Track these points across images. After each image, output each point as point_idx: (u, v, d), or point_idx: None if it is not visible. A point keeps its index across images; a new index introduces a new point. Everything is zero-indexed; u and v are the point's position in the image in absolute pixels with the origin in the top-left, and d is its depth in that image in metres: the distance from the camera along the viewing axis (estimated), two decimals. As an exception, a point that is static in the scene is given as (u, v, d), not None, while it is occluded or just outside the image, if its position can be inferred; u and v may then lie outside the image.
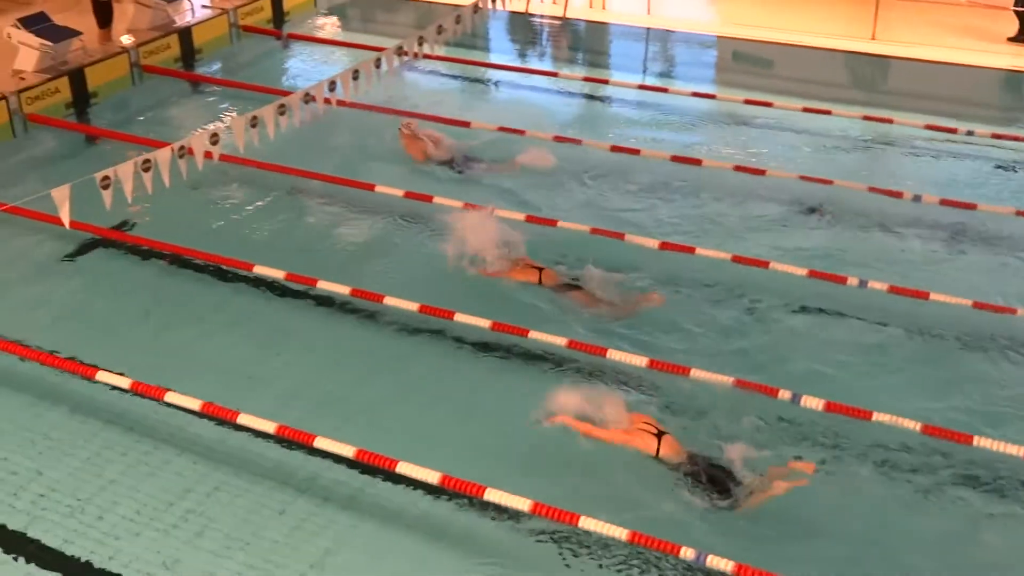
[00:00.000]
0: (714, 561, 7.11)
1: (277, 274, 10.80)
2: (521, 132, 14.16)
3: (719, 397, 9.00)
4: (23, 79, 15.12)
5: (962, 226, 12.04)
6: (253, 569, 7.57)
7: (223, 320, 10.52)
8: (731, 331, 10.18)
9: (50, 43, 15.52)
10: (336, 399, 9.32)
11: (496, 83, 17.11)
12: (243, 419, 8.57)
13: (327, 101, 12.27)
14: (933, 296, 10.34)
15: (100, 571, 7.56)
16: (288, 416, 8.66)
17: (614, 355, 9.40)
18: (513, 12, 18.61)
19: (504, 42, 19.45)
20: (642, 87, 16.43)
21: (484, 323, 9.86)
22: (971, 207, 12.26)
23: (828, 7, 19.54)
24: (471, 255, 10.81)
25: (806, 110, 15.07)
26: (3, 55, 15.55)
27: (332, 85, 12.33)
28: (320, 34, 19.35)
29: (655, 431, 8.32)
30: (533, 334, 9.68)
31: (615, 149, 13.88)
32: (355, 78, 12.66)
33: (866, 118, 14.92)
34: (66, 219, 9.54)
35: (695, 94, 15.86)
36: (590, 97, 16.45)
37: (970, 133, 14.36)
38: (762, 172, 13.12)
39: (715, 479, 8.05)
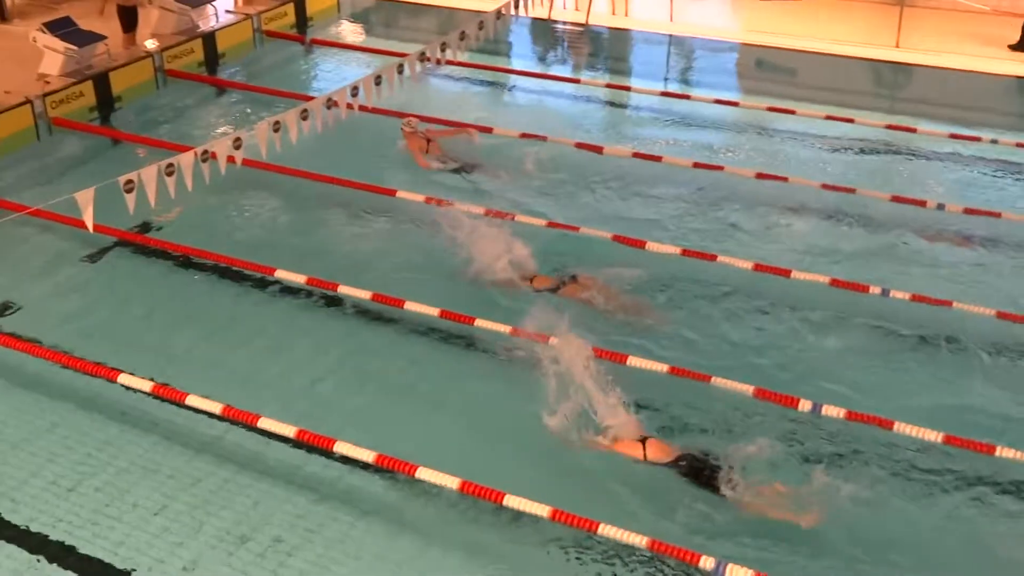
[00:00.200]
0: (734, 571, 7.07)
1: (298, 278, 10.83)
2: (543, 138, 14.17)
3: (719, 400, 9.01)
4: (48, 83, 15.22)
5: (986, 234, 11.96)
6: (269, 573, 7.59)
7: (243, 323, 10.55)
8: (752, 339, 10.13)
9: (75, 47, 15.63)
10: (356, 405, 9.34)
11: (518, 89, 17.12)
12: (263, 423, 8.60)
13: (349, 106, 12.29)
14: (956, 305, 10.27)
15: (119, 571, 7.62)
16: (308, 420, 8.67)
17: (634, 361, 9.38)
18: (536, 19, 18.63)
19: (526, 48, 19.46)
20: (664, 94, 16.41)
21: (504, 328, 9.85)
22: (995, 215, 12.20)
23: (852, 15, 19.49)
24: (484, 263, 10.86)
25: (829, 118, 15.01)
26: (29, 59, 15.67)
27: (355, 90, 12.34)
28: (343, 40, 19.42)
29: (639, 437, 8.33)
30: (553, 341, 9.65)
31: (637, 156, 13.86)
32: (377, 83, 12.68)
33: (889, 126, 14.87)
34: (89, 222, 9.57)
35: (717, 101, 15.84)
36: (612, 103, 16.45)
37: (994, 141, 14.30)
38: (784, 179, 13.08)
39: (708, 478, 8.03)
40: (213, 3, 18.52)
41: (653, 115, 15.88)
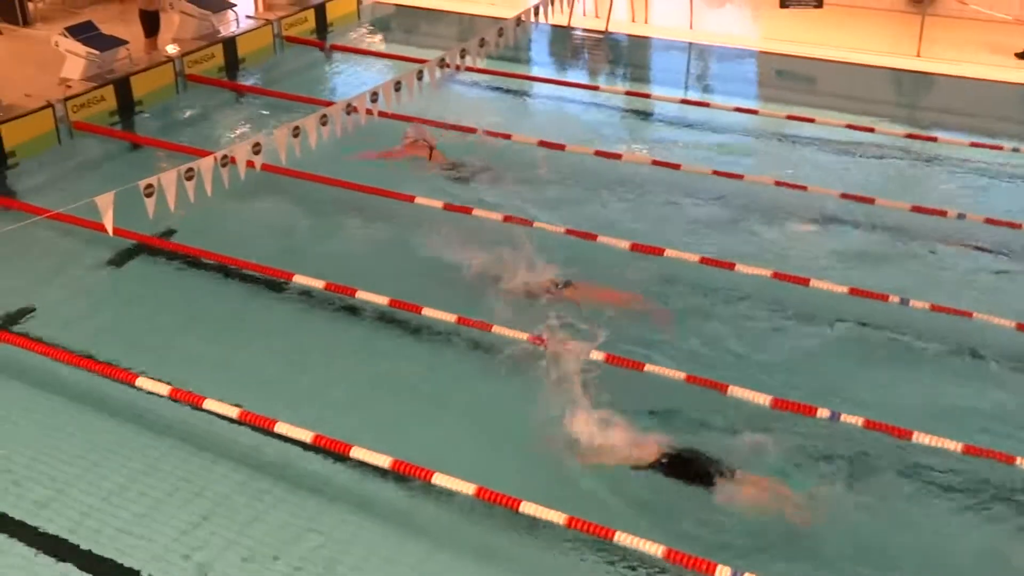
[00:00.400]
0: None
1: (317, 284, 10.85)
2: (562, 147, 14.17)
3: (733, 408, 8.99)
4: (69, 87, 15.32)
5: (1007, 245, 11.89)
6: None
7: (262, 328, 10.58)
8: (770, 348, 10.09)
9: (97, 52, 15.72)
10: (373, 410, 9.35)
11: (537, 96, 17.12)
12: (280, 428, 8.62)
13: (369, 112, 12.31)
14: (976, 316, 10.21)
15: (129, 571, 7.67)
16: (324, 426, 8.67)
17: (652, 368, 9.37)
18: (555, 26, 18.60)
19: (546, 56, 19.46)
20: (684, 101, 16.38)
21: (521, 336, 9.84)
22: (1016, 227, 12.12)
23: (872, 24, 19.40)
24: (501, 270, 10.88)
25: (849, 126, 14.96)
26: (51, 63, 15.76)
27: (374, 96, 12.37)
28: (363, 46, 19.45)
29: (650, 444, 8.38)
30: (570, 347, 9.62)
31: (656, 163, 13.84)
32: (397, 89, 12.70)
33: (910, 135, 14.81)
34: (109, 226, 9.61)
35: (737, 109, 15.80)
36: (631, 111, 16.43)
37: (1016, 150, 14.23)
38: (804, 188, 13.03)
39: (717, 484, 8.06)
40: (234, 8, 18.59)
41: (672, 122, 15.86)
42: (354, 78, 17.58)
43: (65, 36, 15.75)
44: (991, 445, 8.49)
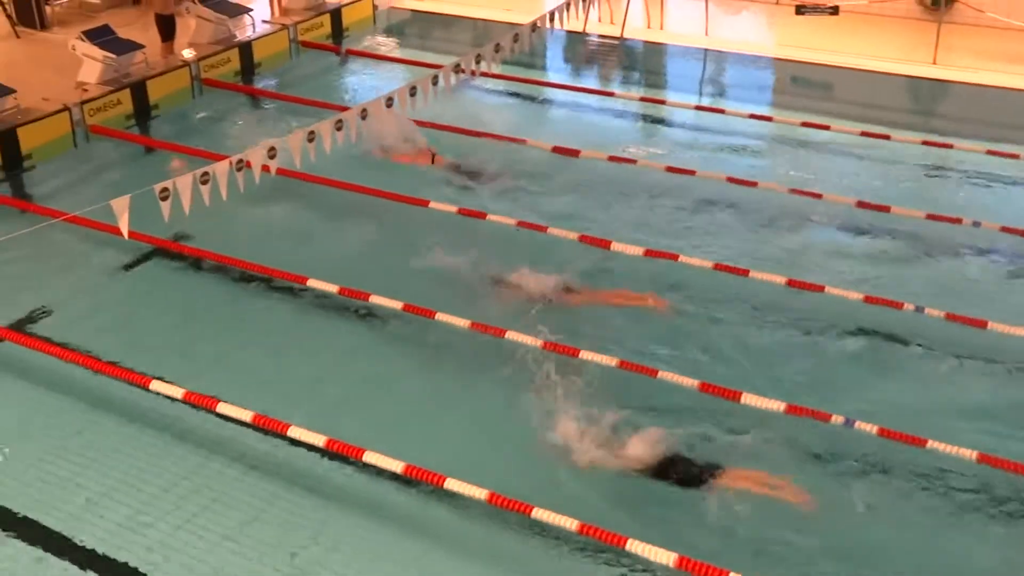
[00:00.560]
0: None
1: (330, 288, 10.87)
2: (575, 153, 14.17)
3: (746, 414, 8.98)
4: (86, 91, 15.39)
5: (1022, 254, 11.85)
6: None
7: (277, 332, 10.61)
8: (783, 355, 10.07)
9: (113, 56, 15.79)
10: (383, 414, 9.36)
11: (552, 102, 17.13)
12: (293, 432, 8.64)
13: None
14: (991, 325, 10.17)
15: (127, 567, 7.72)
16: (336, 430, 8.69)
17: (664, 376, 9.35)
18: (570, 32, 18.63)
19: (561, 61, 19.46)
20: (699, 108, 16.36)
21: (536, 342, 9.83)
22: (1033, 235, 12.09)
23: (888, 31, 19.36)
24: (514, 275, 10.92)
25: (864, 134, 14.92)
26: (67, 67, 15.83)
27: (389, 101, 12.39)
28: (378, 50, 19.49)
29: (656, 448, 8.41)
30: (584, 354, 9.63)
31: (670, 170, 13.82)
32: (412, 94, 12.72)
33: (926, 143, 14.76)
34: (125, 229, 9.64)
35: (752, 116, 15.77)
36: (646, 117, 16.42)
37: (1032, 159, 14.18)
38: (819, 196, 13.00)
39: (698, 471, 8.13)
40: (250, 13, 18.66)
41: (687, 129, 15.85)
42: (369, 83, 17.61)
43: (82, 40, 15.83)
44: (1007, 454, 8.44)
